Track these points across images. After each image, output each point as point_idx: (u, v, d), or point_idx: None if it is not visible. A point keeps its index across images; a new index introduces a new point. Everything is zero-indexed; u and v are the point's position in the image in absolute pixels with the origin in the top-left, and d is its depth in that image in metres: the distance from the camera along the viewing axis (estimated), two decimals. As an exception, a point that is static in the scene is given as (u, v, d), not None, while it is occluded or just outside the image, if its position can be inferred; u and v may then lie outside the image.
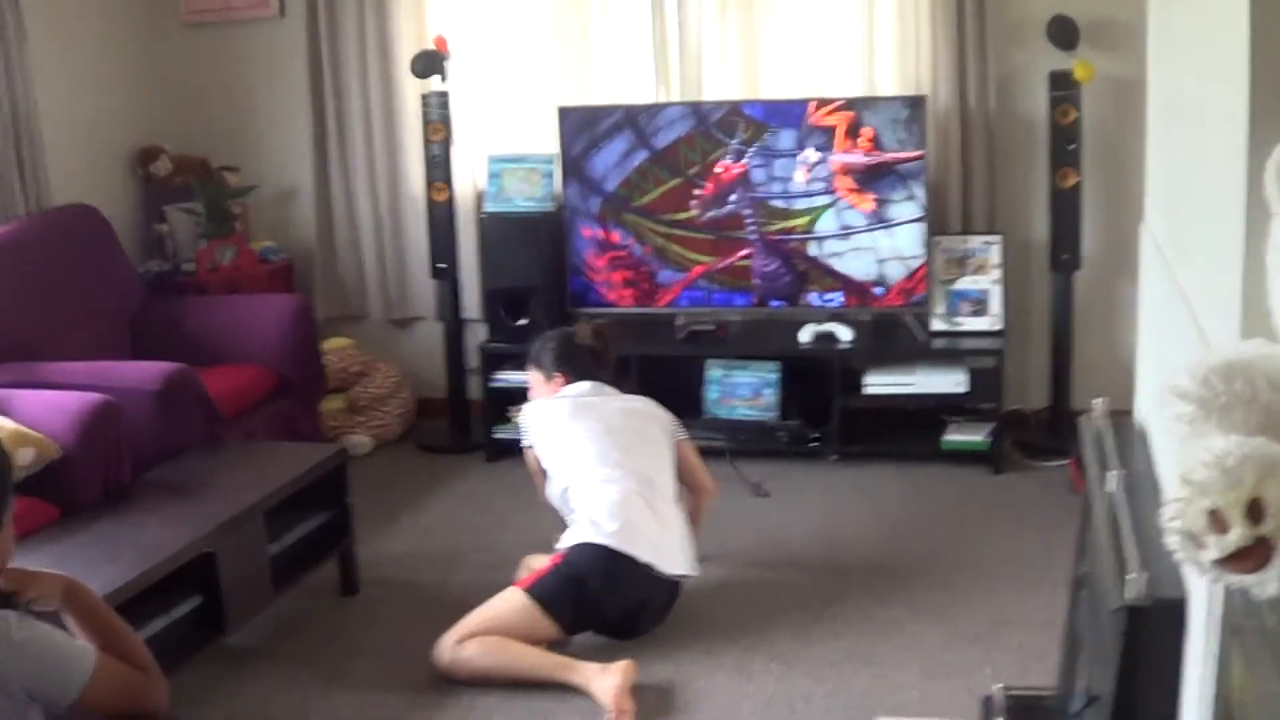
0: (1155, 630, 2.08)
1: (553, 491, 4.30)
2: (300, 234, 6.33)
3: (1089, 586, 2.70)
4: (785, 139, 5.54)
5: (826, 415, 5.52)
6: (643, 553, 4.00)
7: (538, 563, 4.24)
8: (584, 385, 4.48)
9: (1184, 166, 2.36)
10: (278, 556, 4.09)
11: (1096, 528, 2.51)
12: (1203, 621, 1.92)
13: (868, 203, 5.48)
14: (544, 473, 4.35)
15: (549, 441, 4.35)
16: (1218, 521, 1.51)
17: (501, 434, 5.73)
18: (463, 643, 3.88)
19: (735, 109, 5.59)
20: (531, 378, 4.64)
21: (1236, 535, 1.49)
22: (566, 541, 4.09)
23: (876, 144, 5.45)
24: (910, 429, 5.60)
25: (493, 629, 3.90)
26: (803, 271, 5.60)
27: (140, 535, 3.74)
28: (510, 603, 3.96)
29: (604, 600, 3.99)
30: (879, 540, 4.81)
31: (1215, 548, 1.51)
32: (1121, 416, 2.98)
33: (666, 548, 4.09)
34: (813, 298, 5.62)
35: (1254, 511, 1.50)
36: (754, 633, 4.13)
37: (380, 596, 4.50)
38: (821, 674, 3.87)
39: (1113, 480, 2.52)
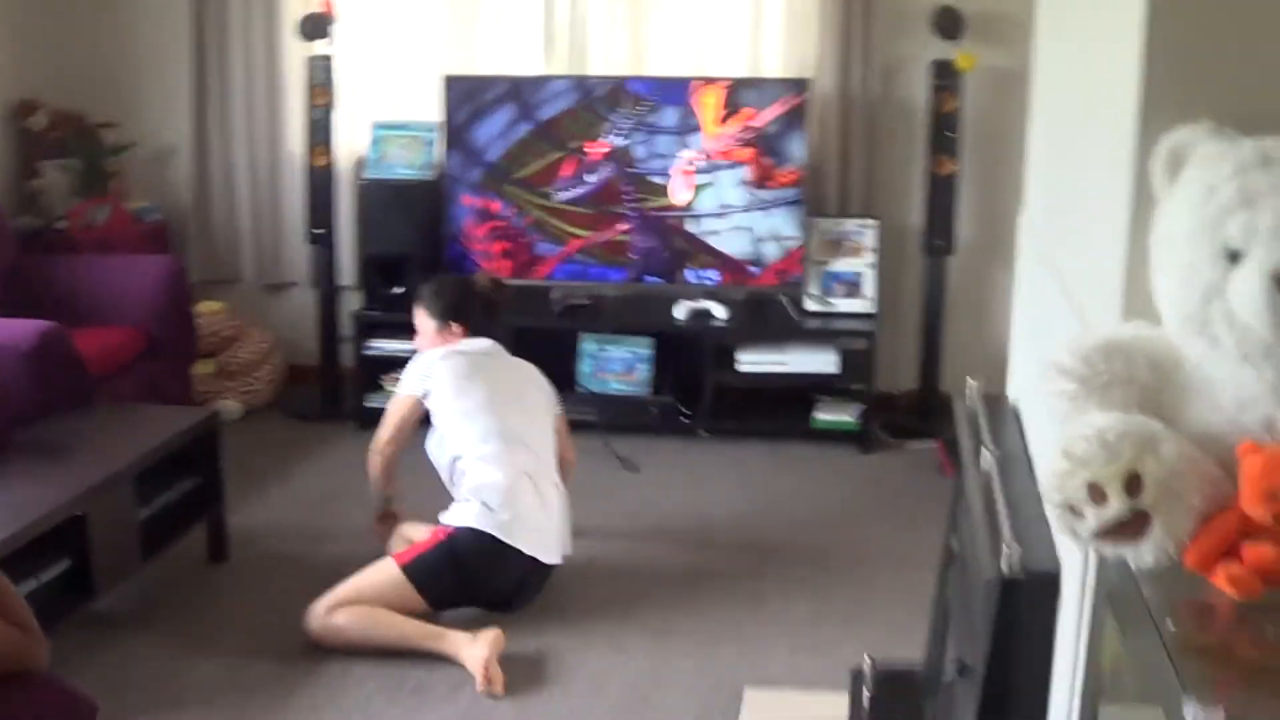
0: (1028, 602, 2.14)
1: (438, 453, 4.22)
2: (176, 194, 6.23)
3: (960, 561, 2.77)
4: (668, 116, 5.56)
5: (699, 392, 5.57)
6: (528, 545, 3.99)
7: (414, 532, 4.23)
8: (484, 342, 4.36)
9: (1068, 155, 2.42)
10: (147, 521, 4.03)
11: (970, 503, 2.57)
12: (1076, 593, 1.98)
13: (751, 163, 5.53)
14: (417, 424, 4.27)
15: (443, 397, 4.20)
16: (1097, 494, 1.56)
17: (374, 403, 5.68)
18: (333, 611, 3.87)
19: (620, 85, 5.60)
20: (421, 323, 4.39)
21: (1115, 508, 1.55)
22: (453, 519, 4.04)
23: (756, 125, 5.50)
24: (781, 408, 5.67)
25: (364, 599, 3.89)
26: (680, 249, 5.64)
27: (9, 496, 3.65)
28: (384, 575, 3.94)
29: (481, 584, 3.99)
30: (748, 517, 4.87)
31: (1094, 519, 1.57)
32: (994, 398, 3.06)
33: (549, 535, 4.09)
34: (689, 275, 5.66)
35: (1132, 485, 1.55)
36: (624, 606, 4.17)
37: (249, 564, 4.46)
38: (690, 649, 3.92)
39: (987, 457, 2.58)
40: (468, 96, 5.66)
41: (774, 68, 5.75)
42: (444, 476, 4.23)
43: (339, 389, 5.97)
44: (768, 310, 5.73)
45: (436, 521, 4.10)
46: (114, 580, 3.86)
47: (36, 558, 3.57)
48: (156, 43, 6.14)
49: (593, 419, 5.41)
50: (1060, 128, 2.53)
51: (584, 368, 5.68)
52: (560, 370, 5.68)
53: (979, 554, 2.34)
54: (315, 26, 5.70)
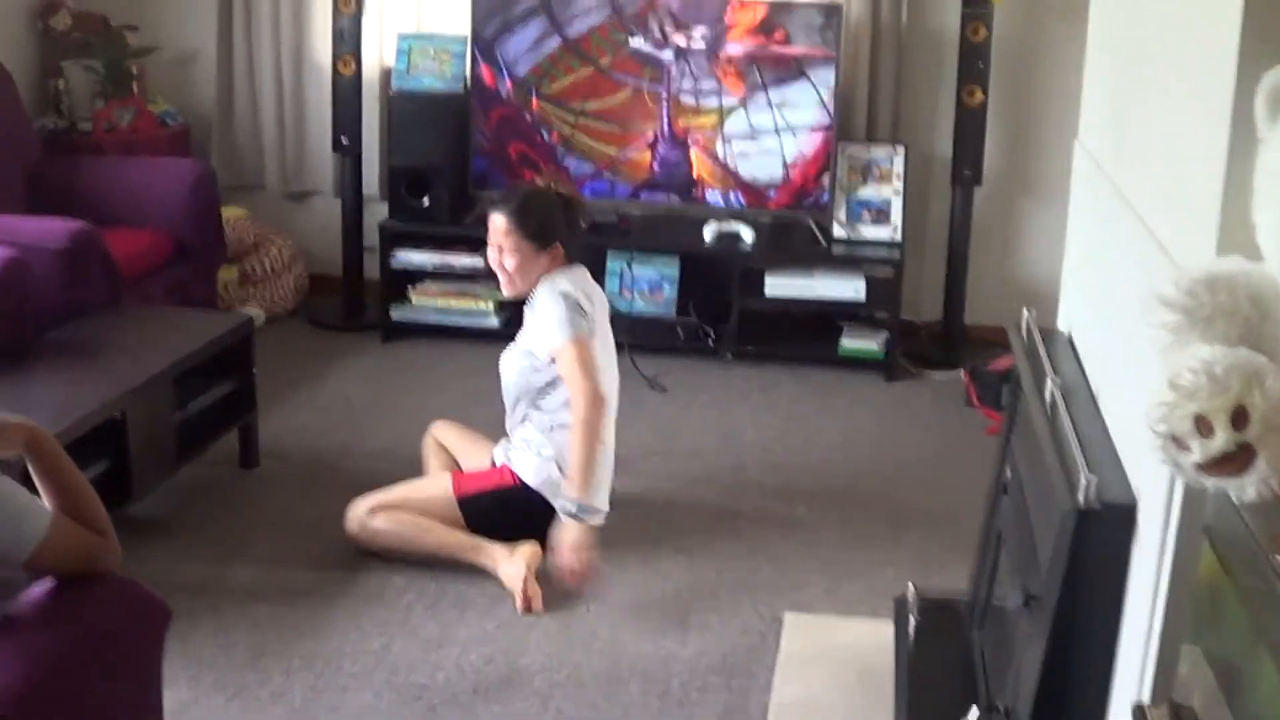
0: (1104, 534, 2.16)
1: (529, 383, 3.92)
2: (199, 99, 6.19)
3: (1016, 492, 2.78)
4: (699, 35, 5.52)
5: (725, 315, 5.57)
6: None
7: (449, 435, 4.19)
8: (584, 273, 4.04)
9: (1150, 89, 2.40)
10: (183, 424, 4.04)
11: (1033, 434, 2.58)
12: (1156, 527, 1.99)
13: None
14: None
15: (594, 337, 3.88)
16: (1204, 426, 1.56)
17: (399, 314, 5.70)
18: (375, 513, 3.87)
19: (652, 1, 5.56)
20: (513, 244, 3.89)
21: (1221, 440, 1.55)
22: (525, 472, 3.89)
23: (788, 42, 5.47)
24: (806, 333, 5.67)
25: (408, 508, 3.88)
26: (708, 170, 5.61)
27: (50, 396, 3.67)
28: (436, 494, 3.92)
29: (525, 533, 3.84)
30: (776, 441, 4.88)
31: (1199, 451, 1.57)
32: (1048, 331, 3.07)
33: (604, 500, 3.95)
34: (716, 196, 5.64)
35: (1238, 418, 1.55)
36: (657, 529, 4.17)
37: (280, 471, 4.48)
38: (727, 566, 3.95)
39: (1050, 388, 2.59)
40: (497, 9, 5.60)
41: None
42: (517, 408, 4.00)
43: (362, 300, 5.96)
44: (795, 235, 5.72)
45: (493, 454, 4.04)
46: (151, 484, 3.89)
47: (75, 459, 3.56)
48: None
49: (619, 339, 5.40)
50: (1139, 61, 2.51)
51: (610, 286, 5.67)
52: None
53: (1049, 484, 2.35)
54: (345, -67, 5.64)
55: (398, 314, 5.71)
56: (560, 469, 3.85)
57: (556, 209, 3.97)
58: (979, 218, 5.70)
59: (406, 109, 5.68)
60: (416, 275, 5.75)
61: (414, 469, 4.24)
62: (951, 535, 4.07)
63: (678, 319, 5.63)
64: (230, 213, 5.78)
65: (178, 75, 6.19)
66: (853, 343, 5.56)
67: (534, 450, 3.92)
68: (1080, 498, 2.16)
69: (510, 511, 3.90)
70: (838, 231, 5.63)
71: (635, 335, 5.45)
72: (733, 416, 5.09)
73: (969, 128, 5.54)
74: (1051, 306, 5.84)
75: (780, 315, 5.68)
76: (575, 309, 3.83)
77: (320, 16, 5.92)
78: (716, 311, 5.61)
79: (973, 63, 5.47)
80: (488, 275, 5.60)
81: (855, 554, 4.04)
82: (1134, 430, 2.18)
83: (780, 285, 5.51)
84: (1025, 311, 3.07)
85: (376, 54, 5.93)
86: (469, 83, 5.71)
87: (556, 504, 3.77)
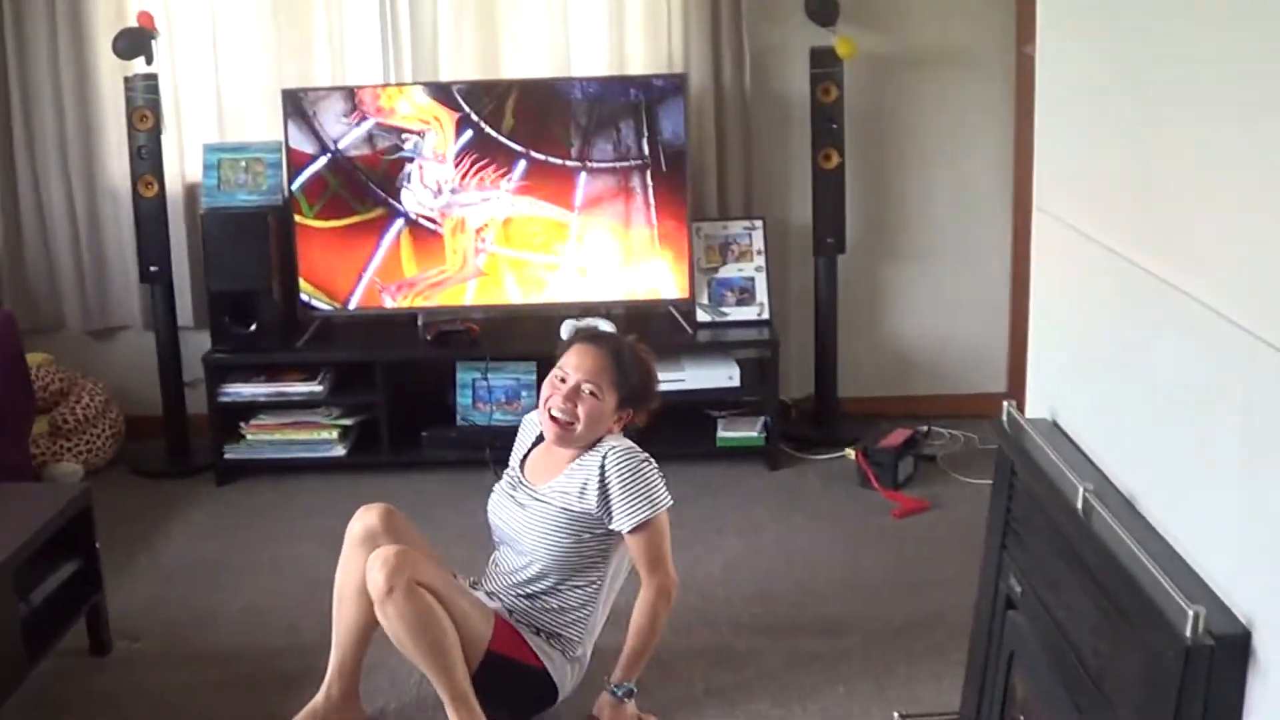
0: (1217, 672, 1.81)
1: (595, 570, 3.44)
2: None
3: (1036, 608, 2.44)
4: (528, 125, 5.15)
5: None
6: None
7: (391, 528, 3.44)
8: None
9: (1181, 153, 2.07)
10: (27, 620, 3.43)
11: (1073, 547, 2.24)
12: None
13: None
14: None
15: None
16: None
17: (233, 454, 5.17)
18: (421, 587, 3.16)
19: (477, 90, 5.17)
20: (602, 387, 3.41)
21: None
22: (550, 664, 3.36)
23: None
24: (678, 425, 5.27)
25: (442, 602, 3.18)
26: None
27: None
28: (476, 622, 3.27)
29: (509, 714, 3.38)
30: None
31: None
32: (1037, 421, 2.72)
33: None
34: (561, 290, 5.24)
35: None
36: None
37: (136, 655, 3.87)
38: (658, 706, 3.51)
39: (1076, 490, 2.25)
40: (310, 111, 5.14)
41: (639, 65, 5.37)
42: (539, 580, 3.43)
43: (186, 440, 5.40)
44: (659, 323, 5.34)
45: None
46: (2, 697, 3.26)
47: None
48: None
49: (477, 455, 4.98)
50: (1172, 122, 2.14)
51: (463, 399, 5.23)
52: (435, 404, 5.27)
53: (1117, 610, 2.01)
54: (133, 42, 5.13)
55: (231, 453, 5.17)
56: (581, 661, 3.44)
57: (653, 375, 3.54)
58: (844, 287, 5.41)
59: (221, 228, 5.15)
60: (247, 409, 5.22)
61: (291, 632, 3.74)
62: (897, 641, 3.75)
63: (540, 426, 5.20)
64: (32, 359, 5.17)
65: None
66: (731, 433, 5.20)
67: (559, 645, 3.40)
68: (1186, 632, 1.81)
69: (520, 691, 3.37)
70: (701, 316, 5.28)
71: (496, 449, 5.01)
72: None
73: (827, 193, 5.26)
74: (926, 374, 5.64)
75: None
76: (657, 476, 3.39)
77: (112, 133, 5.37)
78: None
79: (826, 124, 5.20)
80: (326, 401, 5.20)
81: (795, 676, 3.64)
82: (1236, 547, 1.86)
83: (649, 379, 5.12)
84: (1005, 404, 2.73)
85: (179, 170, 5.42)
86: (287, 193, 5.23)
87: (610, 688, 3.37)
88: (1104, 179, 2.43)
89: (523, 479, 3.54)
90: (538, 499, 3.44)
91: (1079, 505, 2.23)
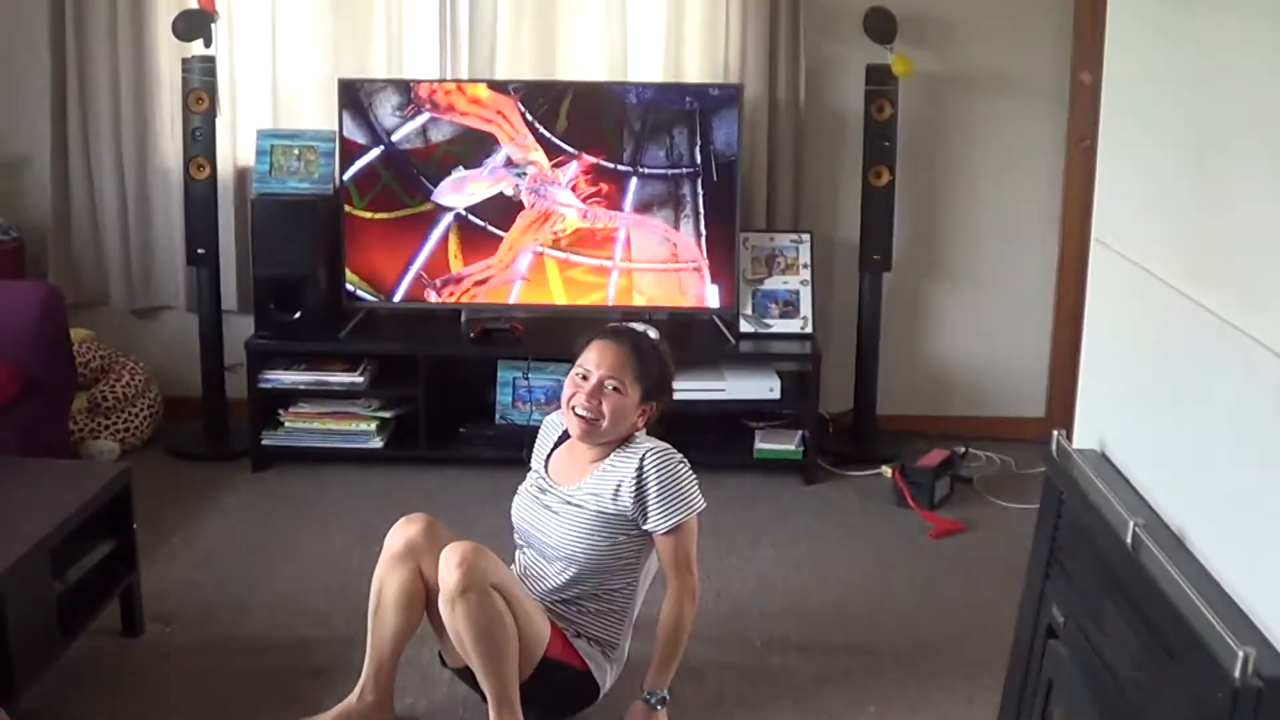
0: (1265, 713, 1.81)
1: (625, 574, 3.43)
2: (32, 210, 5.59)
3: (1080, 639, 2.43)
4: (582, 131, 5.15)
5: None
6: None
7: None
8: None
9: (1246, 191, 2.06)
10: (62, 598, 3.42)
11: (1121, 582, 2.22)
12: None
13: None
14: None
15: None
16: None
17: (270, 440, 5.18)
18: (495, 591, 3.13)
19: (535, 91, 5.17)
20: (625, 383, 3.40)
21: None
22: (596, 668, 3.36)
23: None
24: (717, 435, 5.28)
25: (512, 605, 3.17)
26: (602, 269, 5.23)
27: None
28: (538, 625, 3.26)
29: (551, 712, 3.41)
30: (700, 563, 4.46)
31: None
32: (1087, 454, 2.71)
33: None
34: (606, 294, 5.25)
35: None
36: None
37: (168, 638, 3.88)
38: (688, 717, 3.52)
39: (1132, 529, 2.24)
40: (365, 102, 5.15)
41: (694, 74, 5.37)
42: (573, 586, 3.40)
43: (225, 424, 5.41)
44: (701, 332, 5.34)
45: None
46: (36, 672, 3.26)
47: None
48: (9, 42, 5.49)
49: (514, 454, 4.97)
50: (1238, 161, 2.13)
51: (503, 398, 5.23)
52: (474, 402, 5.27)
53: (1166, 648, 2.00)
54: (192, 24, 5.15)
55: (269, 439, 5.18)
56: (619, 663, 3.45)
57: (670, 368, 3.52)
58: (887, 304, 5.40)
59: (270, 214, 5.16)
60: (288, 396, 5.24)
61: (322, 623, 3.74)
62: (929, 662, 3.74)
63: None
64: (75, 335, 5.19)
65: (7, 183, 5.59)
66: (769, 445, 5.19)
67: (600, 646, 3.40)
68: (1236, 673, 1.80)
69: (565, 693, 3.37)
70: (744, 327, 5.28)
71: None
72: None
73: (876, 210, 5.26)
74: (965, 395, 5.62)
75: (687, 418, 5.28)
76: (689, 477, 3.39)
77: (167, 115, 5.40)
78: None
79: (878, 142, 5.20)
80: (366, 393, 5.21)
81: (826, 693, 3.63)
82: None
83: (689, 388, 5.10)
84: (1055, 434, 2.71)
85: (231, 154, 5.43)
86: (338, 183, 5.25)
87: (644, 694, 3.36)
88: (1165, 215, 2.43)
89: (551, 482, 3.53)
90: (570, 503, 3.43)
91: (1128, 539, 2.22)
